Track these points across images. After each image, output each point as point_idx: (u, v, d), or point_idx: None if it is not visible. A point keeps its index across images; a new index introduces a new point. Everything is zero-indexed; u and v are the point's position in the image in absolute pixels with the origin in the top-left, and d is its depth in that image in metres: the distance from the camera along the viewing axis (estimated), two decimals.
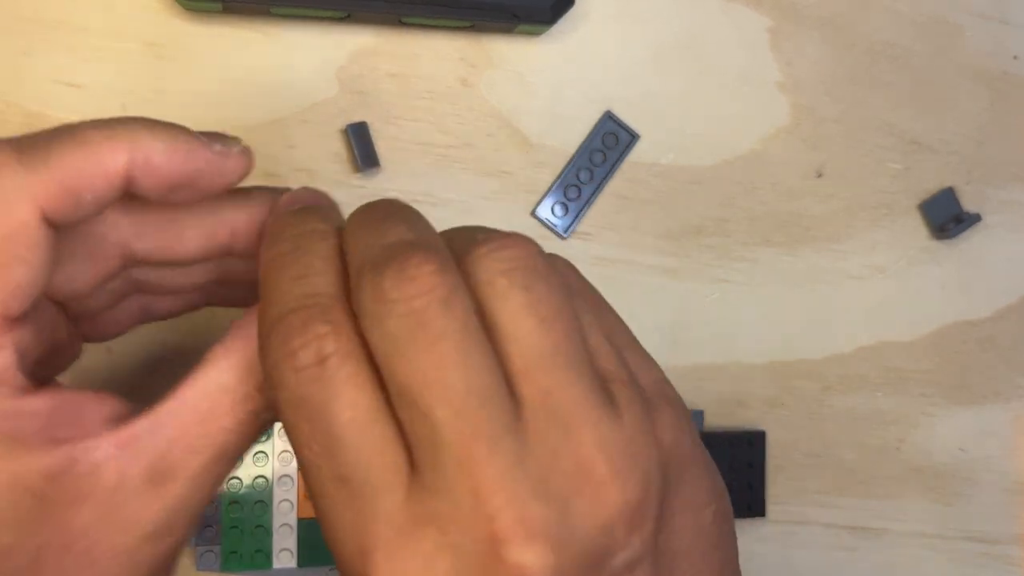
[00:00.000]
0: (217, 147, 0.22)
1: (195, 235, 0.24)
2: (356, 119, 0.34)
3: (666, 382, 0.22)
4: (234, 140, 0.23)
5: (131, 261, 0.24)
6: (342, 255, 0.21)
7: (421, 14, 0.33)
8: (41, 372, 0.22)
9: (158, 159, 0.21)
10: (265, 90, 0.34)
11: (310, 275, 0.20)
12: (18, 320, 0.20)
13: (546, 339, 0.19)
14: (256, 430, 0.22)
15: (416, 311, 0.18)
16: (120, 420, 0.21)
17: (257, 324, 0.20)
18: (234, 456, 0.22)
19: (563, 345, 0.19)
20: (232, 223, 0.24)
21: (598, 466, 0.18)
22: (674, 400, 0.22)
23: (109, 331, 0.26)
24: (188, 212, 0.24)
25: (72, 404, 0.21)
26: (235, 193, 0.24)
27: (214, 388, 0.21)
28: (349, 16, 0.33)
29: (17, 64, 0.32)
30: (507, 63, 0.36)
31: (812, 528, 0.39)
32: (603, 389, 0.19)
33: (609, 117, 0.37)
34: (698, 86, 0.38)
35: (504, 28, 0.35)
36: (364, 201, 0.35)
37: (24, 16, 0.32)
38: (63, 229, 0.21)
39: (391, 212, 0.21)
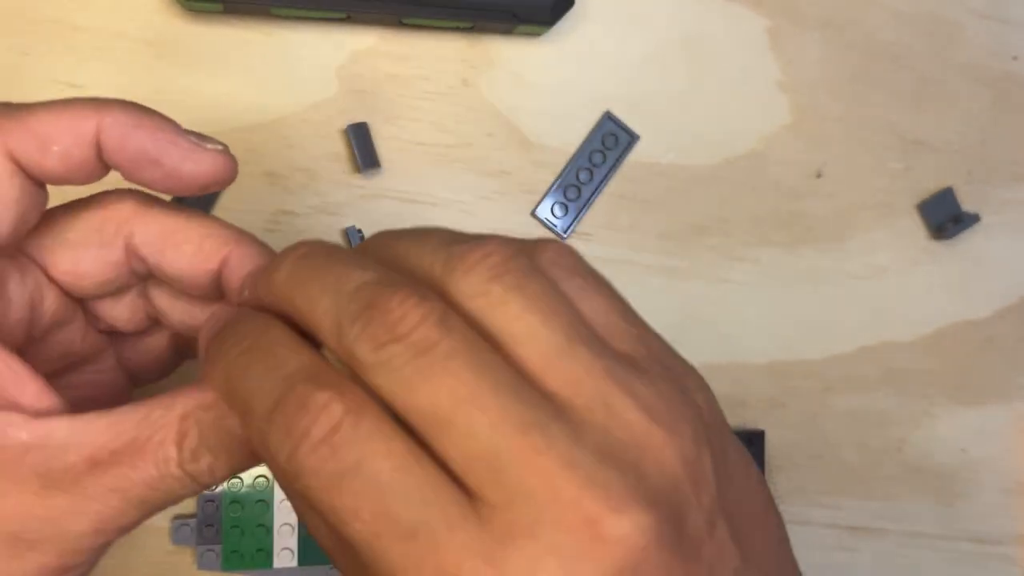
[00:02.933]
0: (192, 137, 0.22)
1: (190, 248, 0.23)
2: (356, 119, 0.34)
3: (677, 353, 0.22)
4: (216, 141, 0.23)
5: (137, 259, 0.24)
6: (299, 333, 0.20)
7: (421, 15, 0.33)
8: (72, 393, 0.22)
9: (123, 129, 0.21)
10: (265, 90, 0.34)
11: (280, 361, 0.19)
12: None
13: (557, 332, 0.18)
14: (163, 502, 0.22)
15: (418, 343, 0.18)
16: (44, 410, 0.21)
17: (250, 436, 0.19)
18: (139, 507, 0.22)
19: (574, 332, 0.19)
20: (226, 249, 0.23)
21: (649, 430, 0.18)
22: (692, 368, 0.22)
23: (148, 362, 0.27)
24: (187, 221, 0.24)
25: (10, 374, 0.21)
26: (236, 229, 0.24)
27: (151, 428, 0.21)
28: (349, 17, 0.33)
29: (17, 64, 0.32)
30: (507, 63, 0.36)
31: (812, 528, 0.39)
32: (628, 362, 0.19)
33: (609, 117, 0.37)
34: (698, 86, 0.38)
35: (504, 28, 0.35)
36: (364, 201, 0.35)
37: (24, 16, 0.32)
38: (39, 184, 0.22)
39: (328, 260, 0.20)
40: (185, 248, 0.23)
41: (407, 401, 0.18)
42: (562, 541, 0.17)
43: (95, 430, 0.21)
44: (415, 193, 0.35)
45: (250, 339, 0.20)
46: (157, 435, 0.21)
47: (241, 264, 0.23)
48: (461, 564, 0.17)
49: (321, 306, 0.19)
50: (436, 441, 0.18)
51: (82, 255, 0.23)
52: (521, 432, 0.17)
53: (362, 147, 0.34)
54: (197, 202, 0.33)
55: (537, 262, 0.20)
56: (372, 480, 0.17)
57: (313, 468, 0.18)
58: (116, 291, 0.25)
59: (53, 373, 0.25)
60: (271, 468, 0.19)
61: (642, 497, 0.17)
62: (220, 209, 0.34)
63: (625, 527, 0.17)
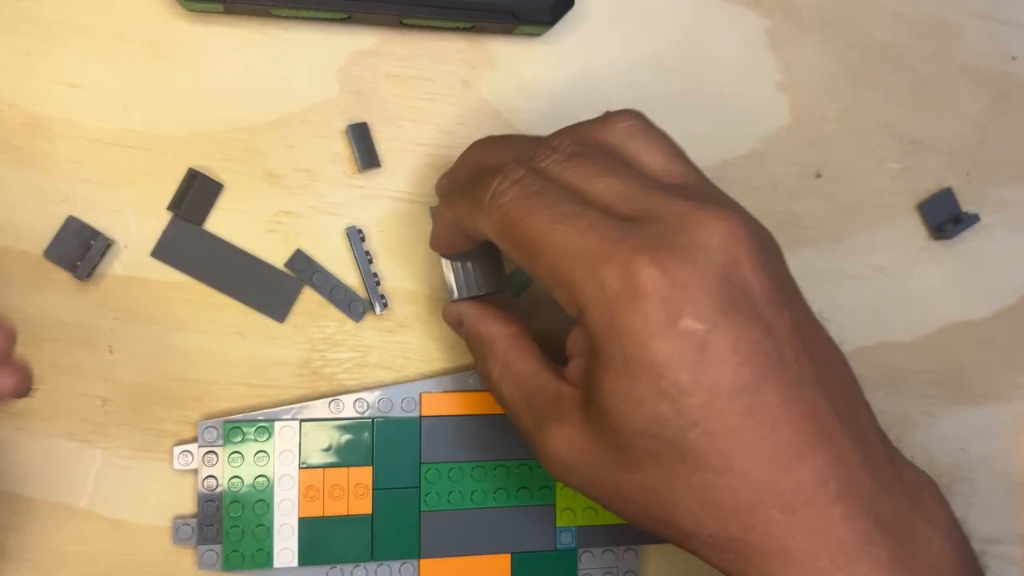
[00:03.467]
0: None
1: None
2: (357, 119, 0.34)
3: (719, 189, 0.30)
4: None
5: None
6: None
7: (421, 15, 0.33)
8: None
9: None
10: (266, 90, 0.34)
11: (483, 167, 0.29)
12: None
13: (617, 181, 0.26)
14: None
15: (566, 155, 0.27)
16: None
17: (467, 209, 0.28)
18: None
19: (632, 179, 0.26)
20: None
21: (700, 209, 0.25)
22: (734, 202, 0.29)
23: None
24: None
25: None
26: None
27: None
28: (350, 17, 0.33)
29: (18, 64, 0.32)
30: (507, 64, 0.36)
31: None
32: (678, 187, 0.27)
33: None
34: (698, 86, 0.38)
35: (504, 29, 0.35)
36: (364, 201, 0.35)
37: (25, 16, 0.32)
38: None
39: (499, 139, 0.31)
40: None
41: (564, 178, 0.26)
42: (697, 241, 0.24)
43: None
44: (415, 193, 0.35)
45: (460, 166, 0.32)
46: None
47: None
48: (632, 258, 0.24)
49: (505, 156, 0.29)
50: (588, 190, 0.26)
51: None
52: (645, 184, 0.26)
53: (362, 147, 0.34)
54: (196, 204, 0.33)
55: (605, 135, 0.28)
56: (555, 196, 0.26)
57: (512, 198, 0.26)
58: None
59: None
60: (478, 226, 0.28)
61: (743, 217, 0.26)
62: (220, 209, 0.34)
63: (741, 231, 0.25)
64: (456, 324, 0.32)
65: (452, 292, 0.32)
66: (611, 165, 0.27)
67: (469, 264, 0.33)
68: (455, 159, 0.32)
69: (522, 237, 0.26)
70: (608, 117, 0.29)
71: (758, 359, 0.24)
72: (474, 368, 0.34)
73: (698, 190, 0.27)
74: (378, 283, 0.35)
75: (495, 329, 0.31)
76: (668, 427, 0.24)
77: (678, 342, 0.23)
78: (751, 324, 0.24)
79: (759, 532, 0.24)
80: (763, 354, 0.24)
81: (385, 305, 0.35)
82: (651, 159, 0.28)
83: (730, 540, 0.24)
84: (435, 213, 0.32)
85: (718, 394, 0.23)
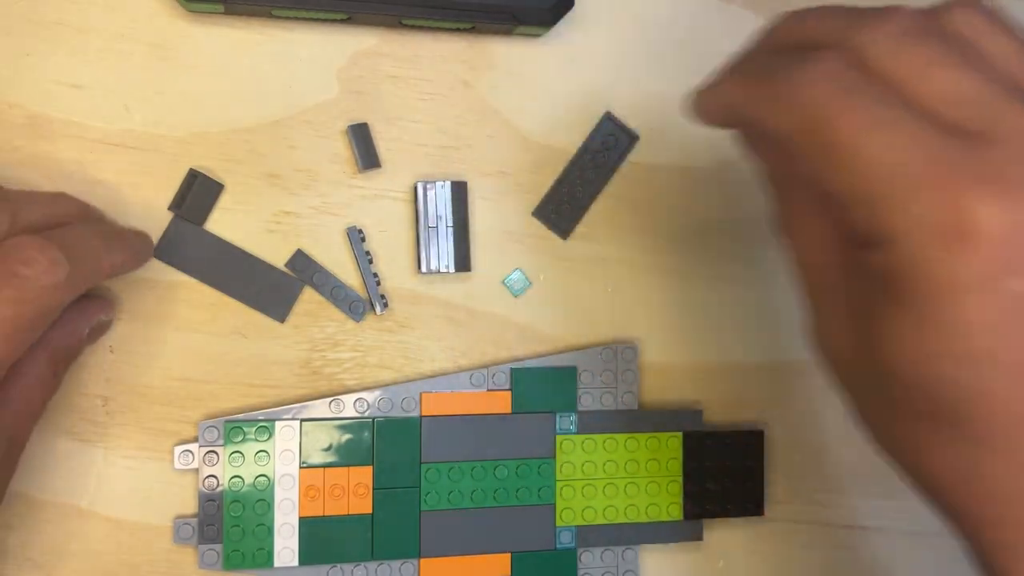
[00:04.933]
0: None
1: None
2: (357, 120, 0.35)
3: None
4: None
5: None
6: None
7: (421, 16, 0.33)
8: None
9: None
10: (266, 91, 0.34)
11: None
12: None
13: (952, 74, 0.22)
14: None
15: (901, 30, 0.22)
16: None
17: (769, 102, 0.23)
18: None
19: (974, 73, 0.21)
20: None
21: None
22: None
23: None
24: None
25: None
26: None
27: None
28: (350, 18, 0.33)
29: (19, 65, 0.32)
30: (507, 64, 0.36)
31: (812, 527, 0.39)
32: None
33: (609, 118, 0.37)
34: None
35: (504, 30, 0.35)
36: (365, 201, 0.35)
37: (26, 17, 0.32)
38: None
39: (820, 9, 0.25)
40: None
41: (890, 65, 0.22)
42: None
43: None
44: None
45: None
46: None
47: None
48: (969, 191, 0.20)
49: (820, 33, 0.23)
50: (919, 87, 0.21)
51: None
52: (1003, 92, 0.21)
53: (363, 148, 0.34)
54: (197, 204, 0.33)
55: (942, 23, 0.22)
56: (876, 94, 0.21)
57: (820, 92, 0.22)
58: None
59: None
60: (768, 118, 0.23)
61: None
62: (220, 210, 0.34)
63: None
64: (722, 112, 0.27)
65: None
66: (955, 55, 0.22)
67: None
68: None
69: (826, 141, 0.21)
70: (945, 4, 0.23)
71: None
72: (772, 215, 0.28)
73: None
74: (378, 283, 0.35)
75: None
76: (955, 392, 0.21)
77: (1000, 302, 0.20)
78: None
79: (1011, 524, 0.22)
80: None
81: (385, 305, 0.35)
82: (1007, 61, 0.22)
83: (975, 517, 0.22)
84: (709, 86, 0.27)
85: None
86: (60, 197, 0.30)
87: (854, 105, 0.21)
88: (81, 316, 0.30)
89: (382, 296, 0.35)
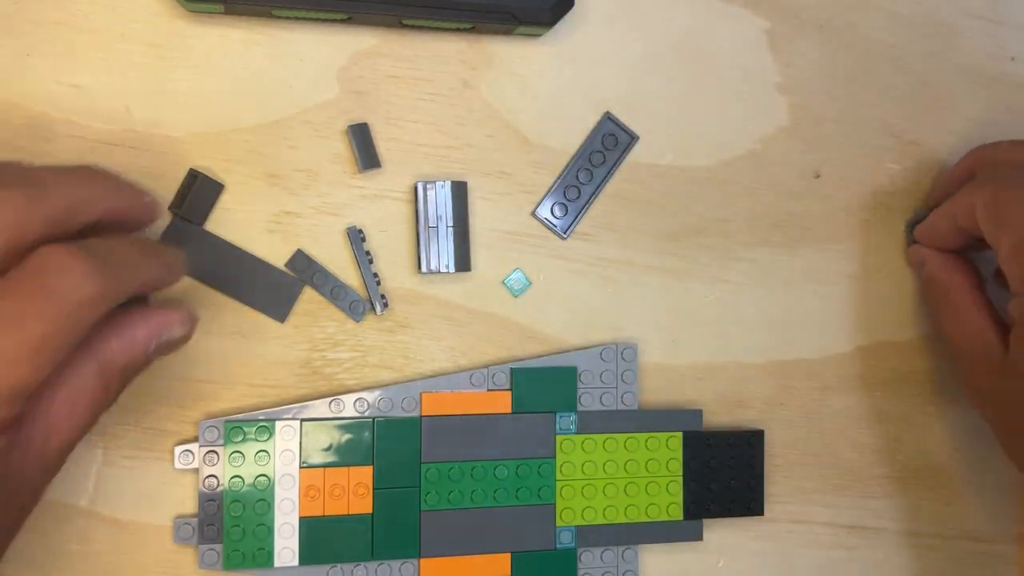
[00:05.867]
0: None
1: None
2: (357, 120, 0.35)
3: None
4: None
5: None
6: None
7: (422, 16, 0.33)
8: None
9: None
10: (266, 91, 0.34)
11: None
12: None
13: None
14: None
15: None
16: None
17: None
18: None
19: None
20: None
21: None
22: None
23: None
24: None
25: None
26: None
27: None
28: (350, 18, 0.33)
29: (20, 65, 0.32)
30: (507, 64, 0.36)
31: (811, 527, 0.39)
32: None
33: (608, 118, 0.37)
34: (697, 87, 0.38)
35: (504, 30, 0.35)
36: (365, 201, 0.35)
37: (27, 17, 0.32)
38: None
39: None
40: None
41: None
42: None
43: None
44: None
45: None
46: None
47: None
48: None
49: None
50: None
51: None
52: None
53: (363, 148, 0.34)
54: (197, 204, 0.33)
55: None
56: None
57: None
58: None
59: None
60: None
61: None
62: (221, 210, 0.34)
63: None
64: (918, 265, 0.39)
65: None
66: None
67: None
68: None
69: (1001, 211, 0.33)
70: None
71: None
72: (930, 309, 0.40)
73: None
74: (378, 283, 0.35)
75: (956, 279, 0.37)
76: None
77: None
78: None
79: None
80: None
81: (385, 305, 0.35)
82: None
83: None
84: (940, 212, 0.37)
85: None
86: (88, 175, 0.28)
87: (1017, 182, 0.33)
88: (143, 328, 0.28)
89: (382, 296, 0.35)
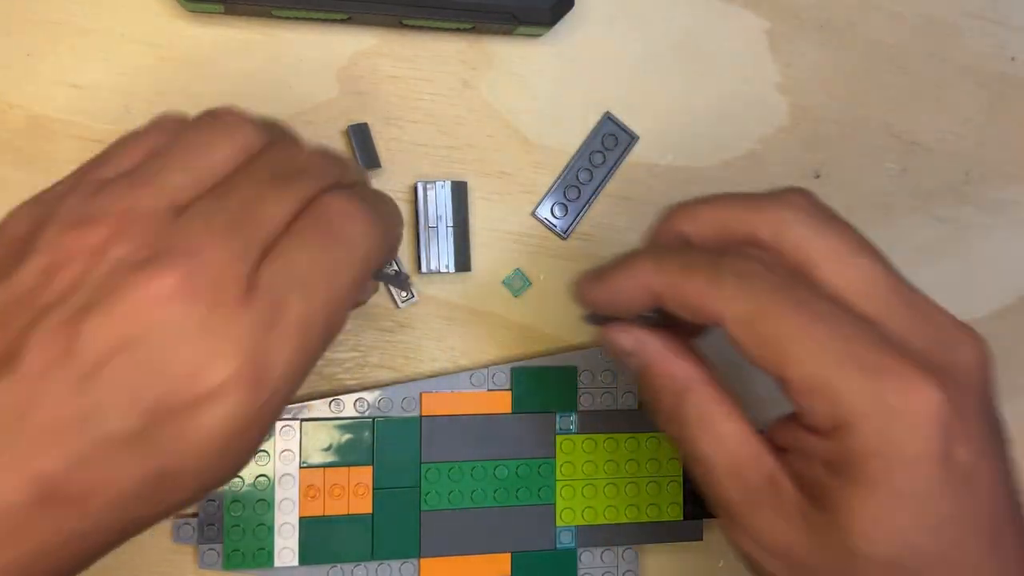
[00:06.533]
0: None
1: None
2: (357, 120, 0.35)
3: None
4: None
5: None
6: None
7: (422, 16, 0.33)
8: None
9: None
10: (266, 91, 0.34)
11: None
12: None
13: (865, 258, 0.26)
14: None
15: (742, 271, 0.25)
16: None
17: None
18: None
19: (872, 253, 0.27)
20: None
21: (957, 325, 0.25)
22: None
23: None
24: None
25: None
26: None
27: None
28: (350, 18, 0.33)
29: (20, 65, 0.32)
30: (507, 64, 0.36)
31: None
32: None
33: (608, 118, 0.37)
34: (697, 87, 0.38)
35: (504, 30, 0.35)
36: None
37: (27, 18, 0.32)
38: None
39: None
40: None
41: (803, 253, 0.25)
42: (964, 362, 0.24)
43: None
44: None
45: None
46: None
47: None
48: (916, 375, 0.23)
49: (727, 214, 0.26)
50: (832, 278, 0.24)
51: None
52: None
53: (363, 148, 0.34)
54: None
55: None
56: (810, 292, 0.24)
57: (765, 287, 0.24)
58: None
59: None
60: (711, 307, 0.24)
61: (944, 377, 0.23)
62: None
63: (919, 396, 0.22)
64: (623, 353, 0.27)
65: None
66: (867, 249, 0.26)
67: None
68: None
69: (773, 334, 0.23)
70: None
71: (1013, 495, 0.23)
72: (645, 407, 0.30)
73: (929, 302, 0.25)
74: (396, 273, 0.34)
75: (688, 371, 0.26)
76: (918, 559, 0.22)
77: (951, 472, 0.22)
78: (1005, 457, 0.24)
79: None
80: (1013, 491, 0.23)
81: (412, 295, 0.35)
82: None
83: None
84: (616, 268, 0.26)
85: (975, 530, 0.23)
86: (336, 160, 0.26)
87: (793, 300, 0.23)
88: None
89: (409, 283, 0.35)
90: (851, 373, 0.22)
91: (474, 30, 0.35)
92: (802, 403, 0.23)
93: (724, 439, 0.25)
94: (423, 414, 0.34)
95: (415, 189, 0.35)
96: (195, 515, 0.33)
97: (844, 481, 0.23)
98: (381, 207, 0.25)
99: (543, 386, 0.35)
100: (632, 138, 0.37)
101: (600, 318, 0.28)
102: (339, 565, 0.34)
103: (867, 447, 0.22)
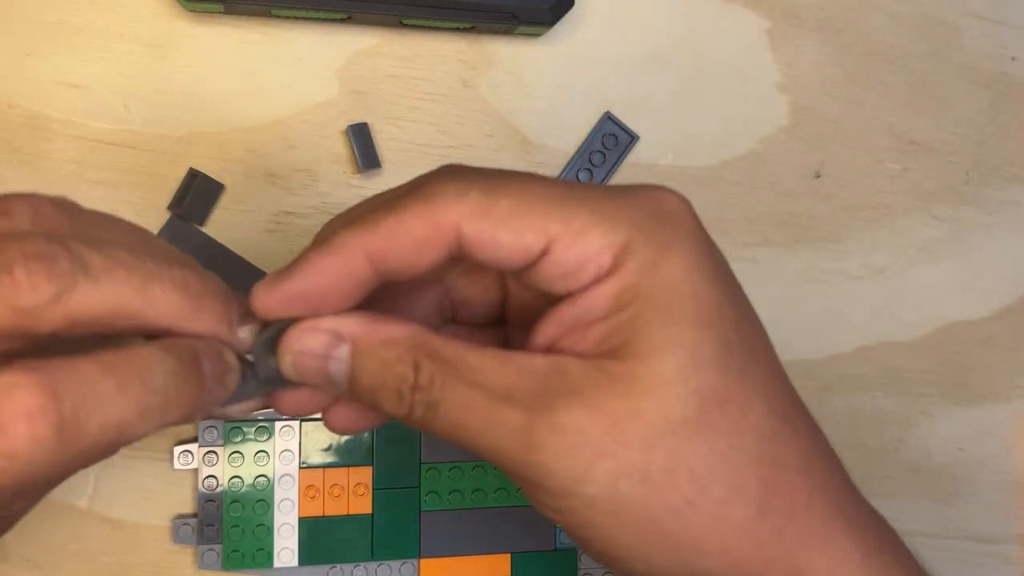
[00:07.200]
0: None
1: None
2: (357, 120, 0.35)
3: None
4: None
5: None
6: None
7: (421, 15, 0.33)
8: None
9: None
10: (266, 91, 0.34)
11: None
12: None
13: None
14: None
15: None
16: None
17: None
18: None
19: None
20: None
21: None
22: None
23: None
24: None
25: None
26: None
27: None
28: (350, 17, 0.33)
29: (19, 65, 0.32)
30: (507, 64, 0.36)
31: None
32: None
33: (608, 118, 0.37)
34: (697, 87, 0.38)
35: (504, 29, 0.35)
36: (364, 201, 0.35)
37: (26, 17, 0.32)
38: None
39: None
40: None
41: None
42: None
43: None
44: None
45: None
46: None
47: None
48: None
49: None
50: None
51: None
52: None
53: (363, 148, 0.34)
54: (197, 204, 0.33)
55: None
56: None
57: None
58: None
59: None
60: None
61: None
62: (221, 210, 0.34)
63: None
64: (319, 354, 0.23)
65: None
66: None
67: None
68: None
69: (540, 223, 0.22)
70: None
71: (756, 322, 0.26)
72: (362, 399, 0.23)
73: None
74: None
75: (412, 327, 0.22)
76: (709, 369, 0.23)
77: (716, 266, 0.26)
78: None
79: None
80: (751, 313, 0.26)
81: None
82: None
83: None
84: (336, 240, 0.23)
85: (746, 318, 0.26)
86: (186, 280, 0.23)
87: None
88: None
89: None
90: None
91: (474, 30, 0.35)
92: (555, 263, 0.21)
93: (486, 370, 0.21)
94: None
95: None
96: (195, 516, 0.33)
97: (629, 313, 0.22)
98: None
99: None
100: (632, 138, 0.37)
101: (274, 335, 0.24)
102: (339, 566, 0.34)
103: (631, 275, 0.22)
